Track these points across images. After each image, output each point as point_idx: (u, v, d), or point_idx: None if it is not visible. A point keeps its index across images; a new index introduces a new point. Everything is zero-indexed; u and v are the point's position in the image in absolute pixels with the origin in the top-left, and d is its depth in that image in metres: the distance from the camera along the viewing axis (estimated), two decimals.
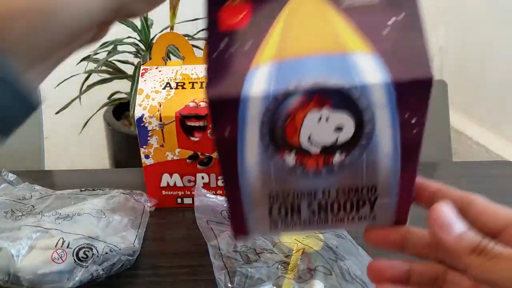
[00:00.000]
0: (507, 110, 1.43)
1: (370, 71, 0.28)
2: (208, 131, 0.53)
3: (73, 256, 0.41)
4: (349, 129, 0.29)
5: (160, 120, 0.53)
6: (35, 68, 0.23)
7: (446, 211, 0.26)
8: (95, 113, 1.38)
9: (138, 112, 0.53)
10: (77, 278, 0.41)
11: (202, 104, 0.53)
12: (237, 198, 0.32)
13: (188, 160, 0.55)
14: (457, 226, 0.26)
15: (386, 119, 0.29)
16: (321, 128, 0.29)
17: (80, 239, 0.43)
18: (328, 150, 0.30)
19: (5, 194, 0.56)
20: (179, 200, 0.57)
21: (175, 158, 0.55)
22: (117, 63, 1.36)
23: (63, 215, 0.47)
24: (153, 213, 0.55)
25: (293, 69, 0.28)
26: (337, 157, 0.31)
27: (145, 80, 0.55)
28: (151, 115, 0.53)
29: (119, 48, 1.32)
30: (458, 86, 1.66)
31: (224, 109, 0.28)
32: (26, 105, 0.22)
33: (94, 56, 1.33)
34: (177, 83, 0.55)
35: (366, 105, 0.28)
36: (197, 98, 0.54)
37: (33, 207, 0.52)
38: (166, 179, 0.56)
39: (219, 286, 0.40)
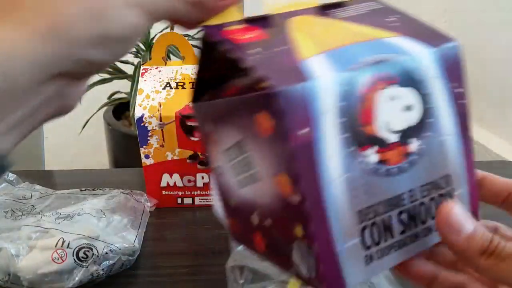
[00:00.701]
0: (507, 110, 1.43)
1: (413, 47, 0.27)
2: None
3: (73, 256, 0.41)
4: (418, 107, 0.27)
5: (160, 120, 0.53)
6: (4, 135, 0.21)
7: (455, 211, 0.25)
8: (95, 113, 1.38)
9: (138, 112, 0.53)
10: (77, 278, 0.41)
11: None
12: (324, 226, 0.24)
13: (188, 160, 0.55)
14: (467, 226, 0.24)
15: (441, 90, 0.28)
16: (394, 109, 0.26)
17: (80, 239, 0.43)
18: (405, 137, 0.27)
19: (5, 193, 0.56)
20: (179, 200, 0.57)
21: (175, 158, 0.54)
22: (117, 63, 1.35)
23: (63, 215, 0.47)
24: (153, 213, 0.55)
25: (346, 54, 0.26)
26: (415, 144, 0.27)
27: (145, 80, 0.55)
28: (151, 115, 0.53)
29: None
30: None
31: (295, 101, 0.23)
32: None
33: None
34: (177, 83, 0.55)
35: (423, 77, 0.27)
36: None
37: (33, 206, 0.52)
38: (166, 179, 0.56)
39: (228, 279, 0.40)
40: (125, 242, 0.45)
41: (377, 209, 0.26)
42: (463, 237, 0.24)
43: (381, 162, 0.26)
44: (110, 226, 0.47)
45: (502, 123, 1.46)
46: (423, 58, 0.27)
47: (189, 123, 0.53)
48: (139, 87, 0.55)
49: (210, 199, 0.57)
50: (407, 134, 0.27)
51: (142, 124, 0.53)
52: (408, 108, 0.27)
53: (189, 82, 0.55)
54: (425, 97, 0.27)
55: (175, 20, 0.26)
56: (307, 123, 0.23)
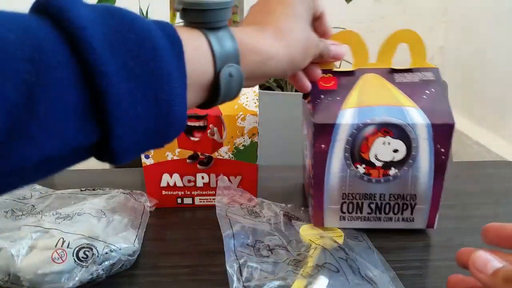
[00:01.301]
0: (507, 110, 1.43)
1: (417, 117, 0.46)
2: (208, 131, 0.53)
3: (73, 256, 0.41)
4: (402, 152, 0.46)
5: None
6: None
7: (482, 255, 0.31)
8: None
9: None
10: (77, 278, 0.41)
11: None
12: (321, 197, 0.49)
13: (188, 160, 0.55)
14: (492, 264, 0.30)
15: (426, 147, 0.46)
16: (384, 149, 0.46)
17: (80, 239, 0.43)
18: (387, 165, 0.47)
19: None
20: (179, 200, 0.57)
21: (175, 158, 0.54)
22: None
23: (63, 215, 0.47)
24: (153, 213, 0.55)
25: (369, 112, 0.46)
26: (393, 171, 0.47)
27: None
28: None
29: None
30: (458, 86, 1.66)
31: (324, 130, 0.46)
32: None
33: None
34: None
35: (414, 136, 0.46)
36: None
37: (34, 206, 0.52)
38: (166, 179, 0.56)
39: (229, 278, 0.40)
40: (125, 242, 0.45)
41: (356, 196, 0.49)
42: (489, 273, 0.30)
43: (366, 174, 0.48)
44: (110, 226, 0.46)
45: (502, 123, 1.46)
46: (419, 127, 0.45)
47: (189, 123, 0.52)
48: None
49: (210, 199, 0.57)
50: (389, 164, 0.47)
51: None
52: (395, 151, 0.46)
53: None
54: (411, 148, 0.46)
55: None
56: (326, 143, 0.47)
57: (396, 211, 0.49)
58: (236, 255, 0.43)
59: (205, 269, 0.46)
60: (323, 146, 0.46)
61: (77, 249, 0.42)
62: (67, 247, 0.41)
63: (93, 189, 0.57)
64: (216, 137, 0.53)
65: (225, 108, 0.52)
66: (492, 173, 0.68)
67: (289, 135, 0.81)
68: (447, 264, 0.45)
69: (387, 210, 0.49)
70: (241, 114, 0.52)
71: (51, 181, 0.64)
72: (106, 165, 1.51)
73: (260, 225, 0.49)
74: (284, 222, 0.50)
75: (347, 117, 0.46)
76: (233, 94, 0.34)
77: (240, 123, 0.53)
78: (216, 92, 0.32)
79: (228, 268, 0.41)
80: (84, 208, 0.49)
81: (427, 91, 0.47)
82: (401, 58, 0.51)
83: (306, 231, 0.48)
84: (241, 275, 0.41)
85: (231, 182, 0.56)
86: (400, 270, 0.43)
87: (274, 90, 1.28)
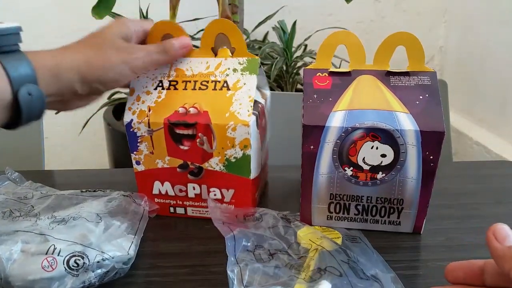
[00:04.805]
0: (507, 110, 1.43)
1: (407, 123, 0.45)
2: (198, 140, 0.50)
3: (63, 264, 0.40)
4: (390, 157, 0.46)
5: (149, 127, 0.50)
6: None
7: (504, 228, 0.32)
8: (95, 113, 1.38)
9: (127, 117, 0.51)
10: (68, 286, 0.40)
11: (192, 110, 0.49)
12: (309, 195, 0.50)
13: (178, 169, 0.52)
14: (511, 240, 0.31)
15: (414, 154, 0.45)
16: (372, 154, 0.46)
17: (72, 245, 0.42)
18: (375, 169, 0.47)
19: (7, 192, 0.56)
20: (171, 209, 0.55)
21: (165, 166, 0.52)
22: None
23: (58, 218, 0.46)
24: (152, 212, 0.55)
25: (359, 115, 0.46)
26: (380, 175, 0.47)
27: (138, 77, 0.53)
28: (140, 121, 0.50)
29: None
30: (458, 86, 1.66)
31: (313, 132, 0.46)
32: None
33: None
34: (170, 81, 0.52)
35: (402, 143, 0.45)
36: (187, 102, 0.50)
37: (33, 207, 0.51)
38: (157, 187, 0.54)
39: (230, 282, 0.40)
40: (120, 250, 0.44)
41: (343, 197, 0.49)
42: (505, 246, 0.31)
43: (354, 176, 0.48)
44: (106, 231, 0.46)
45: (502, 123, 1.46)
46: (408, 133, 0.45)
47: (178, 131, 0.50)
48: (130, 86, 0.52)
49: (202, 211, 0.55)
50: (376, 168, 0.47)
51: (131, 130, 0.51)
52: (383, 155, 0.46)
53: (183, 81, 0.52)
54: (399, 153, 0.46)
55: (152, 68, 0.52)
56: (315, 144, 0.47)
57: (382, 214, 0.49)
58: (236, 259, 0.43)
59: (205, 269, 0.46)
60: (312, 147, 0.47)
61: (68, 257, 0.41)
62: (58, 254, 0.40)
63: (94, 191, 0.56)
64: (205, 147, 0.50)
65: (215, 116, 0.49)
66: (492, 173, 0.67)
67: (289, 135, 0.80)
68: (447, 264, 0.45)
69: (373, 213, 0.50)
70: (232, 124, 0.48)
71: (51, 181, 0.64)
72: (106, 165, 1.51)
73: (259, 230, 0.48)
74: (283, 225, 0.49)
75: (336, 119, 0.46)
76: (36, 113, 0.39)
77: (231, 133, 0.49)
78: (18, 111, 0.37)
79: (229, 272, 0.41)
80: (81, 211, 0.48)
81: (420, 97, 0.47)
82: (401, 58, 0.51)
83: (305, 233, 0.48)
84: (242, 279, 0.40)
85: (224, 196, 0.53)
86: (400, 270, 0.43)
87: (274, 90, 1.28)
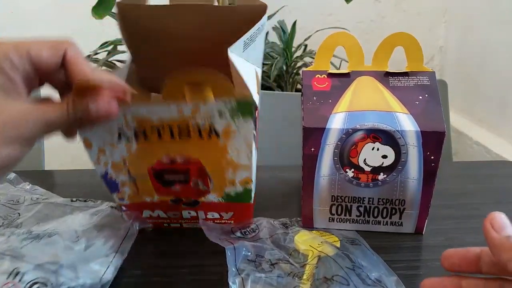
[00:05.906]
0: (507, 110, 1.43)
1: (407, 123, 0.45)
2: (191, 183, 0.45)
3: None
4: (391, 158, 0.46)
5: (130, 175, 0.44)
6: None
7: (501, 217, 0.31)
8: None
9: (100, 169, 0.43)
10: None
11: (179, 159, 0.43)
12: (310, 198, 0.49)
13: (170, 202, 0.47)
14: (508, 230, 0.30)
15: (415, 154, 0.45)
16: (373, 155, 0.46)
17: (37, 269, 0.39)
18: (376, 170, 0.47)
19: (2, 194, 0.55)
20: (165, 225, 0.52)
21: (155, 201, 0.47)
22: (117, 63, 1.35)
23: (33, 234, 0.43)
24: None
25: (359, 117, 0.45)
26: (381, 176, 0.47)
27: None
28: (117, 171, 0.43)
29: (119, 48, 1.32)
30: (458, 86, 1.66)
31: (313, 134, 0.46)
32: None
33: (94, 56, 1.33)
34: (135, 131, 0.41)
35: (403, 143, 0.45)
36: (170, 151, 0.42)
37: (19, 215, 0.50)
38: (148, 213, 0.49)
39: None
40: (92, 276, 0.40)
41: (344, 199, 0.49)
42: (502, 236, 0.30)
43: (355, 178, 0.48)
44: (83, 251, 0.42)
45: (502, 123, 1.46)
46: (409, 133, 0.44)
47: (167, 177, 0.44)
48: (83, 136, 0.41)
49: (199, 224, 0.49)
50: (377, 169, 0.47)
51: (109, 179, 0.45)
52: (384, 156, 0.46)
53: (152, 128, 0.40)
54: (400, 154, 0.45)
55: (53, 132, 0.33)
56: (316, 146, 0.46)
57: (384, 215, 0.49)
58: (237, 269, 0.42)
59: (205, 269, 0.46)
60: (312, 149, 0.46)
61: (29, 284, 0.38)
62: (20, 280, 0.38)
63: (85, 201, 0.54)
64: (201, 187, 0.45)
65: (209, 164, 0.43)
66: (492, 173, 0.67)
67: (289, 135, 0.80)
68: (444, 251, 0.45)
69: (375, 214, 0.49)
70: (231, 170, 0.43)
71: (51, 181, 0.64)
72: None
73: (258, 242, 0.47)
74: (282, 233, 0.48)
75: (337, 121, 0.45)
76: None
77: (230, 175, 0.44)
78: None
79: (230, 283, 0.40)
80: (59, 228, 0.45)
81: (420, 97, 0.46)
82: (400, 59, 0.51)
83: (302, 238, 0.47)
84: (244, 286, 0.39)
85: (222, 217, 0.50)
86: (401, 270, 0.43)
87: (274, 90, 1.28)
